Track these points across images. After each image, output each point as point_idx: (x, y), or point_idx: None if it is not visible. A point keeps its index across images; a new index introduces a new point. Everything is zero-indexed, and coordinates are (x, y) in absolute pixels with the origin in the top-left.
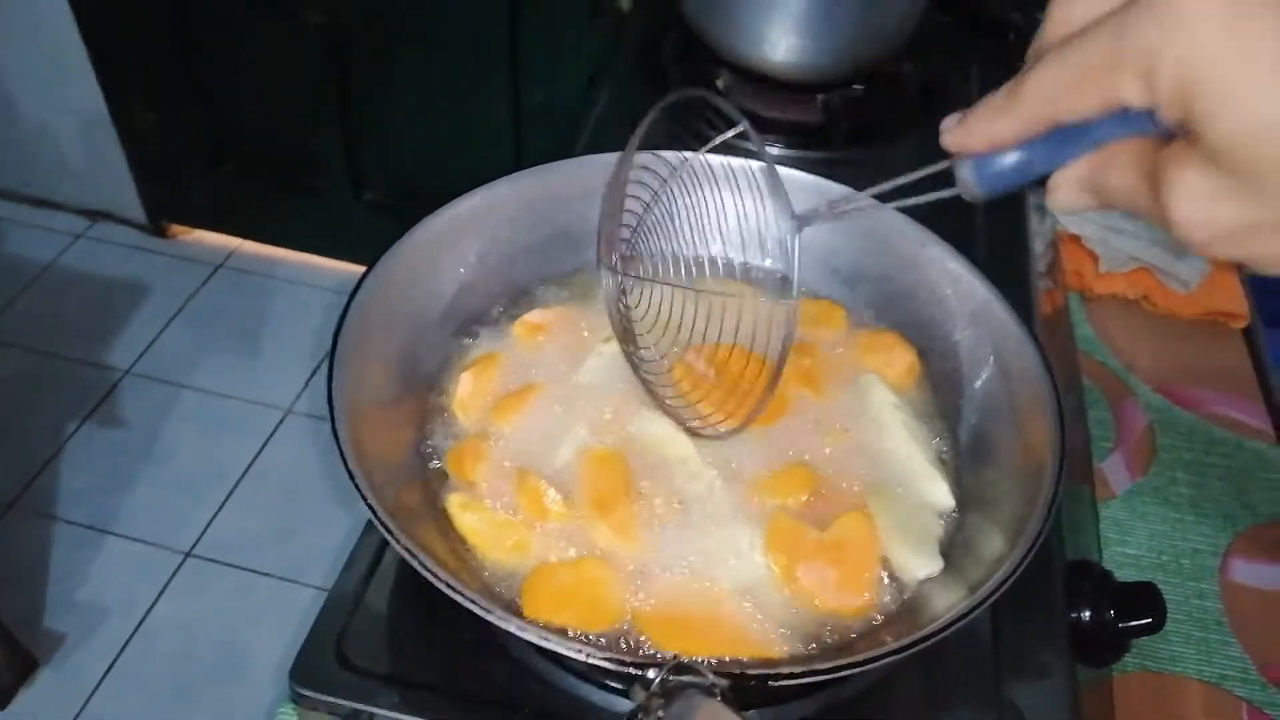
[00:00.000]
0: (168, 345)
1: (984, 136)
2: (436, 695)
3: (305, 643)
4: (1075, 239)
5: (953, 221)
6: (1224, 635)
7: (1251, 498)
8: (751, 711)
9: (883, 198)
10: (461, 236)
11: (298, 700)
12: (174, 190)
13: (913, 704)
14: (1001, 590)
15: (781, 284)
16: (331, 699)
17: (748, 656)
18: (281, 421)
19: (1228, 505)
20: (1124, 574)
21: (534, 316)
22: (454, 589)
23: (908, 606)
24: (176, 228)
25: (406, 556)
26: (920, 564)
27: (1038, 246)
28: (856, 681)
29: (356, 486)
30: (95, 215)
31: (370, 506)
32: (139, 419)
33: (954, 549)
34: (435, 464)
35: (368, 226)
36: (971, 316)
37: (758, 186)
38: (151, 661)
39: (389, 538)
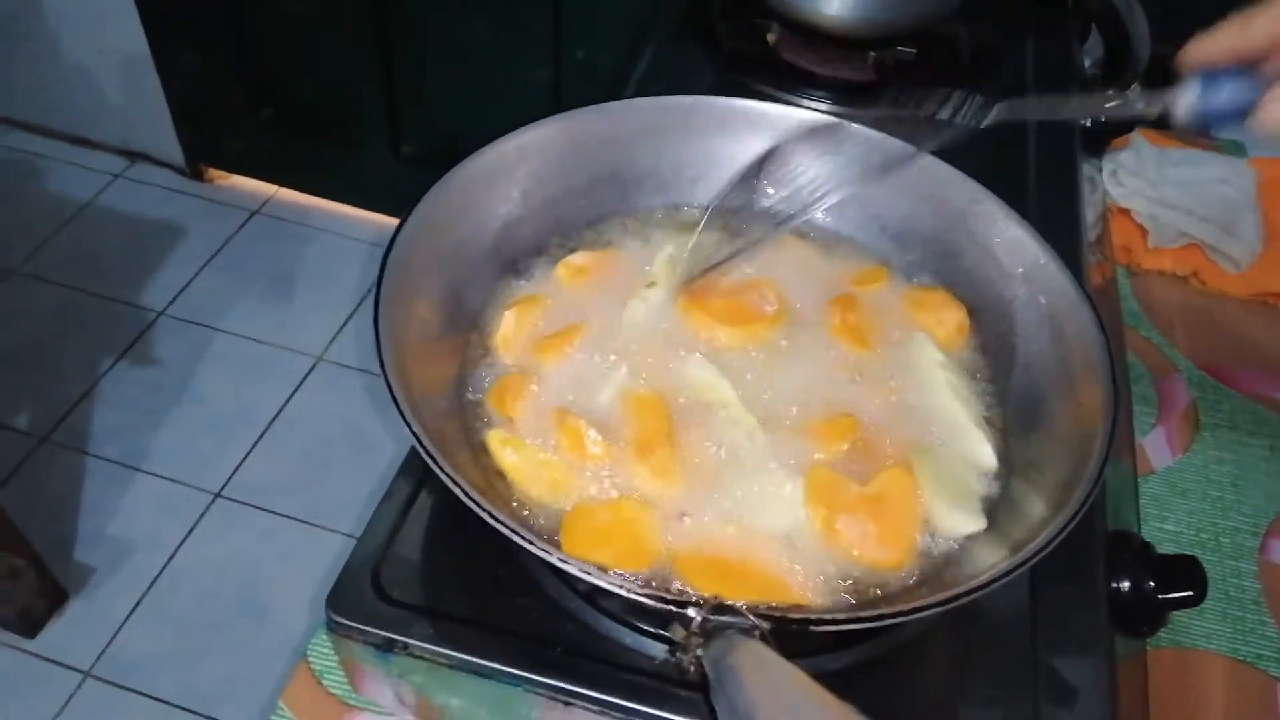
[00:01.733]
0: (202, 288)
1: (1228, 45)
2: (470, 629)
3: (342, 573)
4: (1125, 213)
5: (1004, 188)
6: (1260, 615)
7: None
8: None
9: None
10: (507, 174)
11: (333, 628)
12: (212, 134)
13: (948, 665)
14: (1045, 551)
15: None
16: (367, 628)
17: (783, 603)
18: (312, 369)
19: (1269, 485)
20: (1162, 550)
21: (578, 259)
22: (495, 517)
23: (948, 564)
24: (213, 172)
25: (448, 483)
26: (962, 521)
27: (1088, 217)
28: (892, 637)
29: (401, 413)
30: (133, 156)
31: (415, 434)
32: (172, 360)
33: (996, 511)
34: (475, 400)
35: (405, 180)
36: (1024, 276)
37: None
38: (178, 597)
39: (431, 463)
